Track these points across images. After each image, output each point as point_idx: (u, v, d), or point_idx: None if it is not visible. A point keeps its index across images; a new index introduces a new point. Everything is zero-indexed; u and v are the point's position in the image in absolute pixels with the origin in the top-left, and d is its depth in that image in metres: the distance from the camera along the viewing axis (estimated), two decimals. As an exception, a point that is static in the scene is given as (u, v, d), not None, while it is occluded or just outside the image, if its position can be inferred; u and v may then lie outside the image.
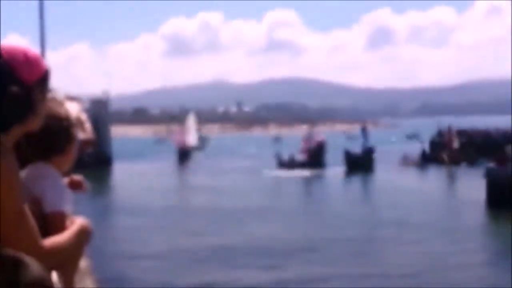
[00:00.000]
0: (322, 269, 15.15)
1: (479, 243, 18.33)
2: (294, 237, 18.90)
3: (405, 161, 45.20)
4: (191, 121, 73.52)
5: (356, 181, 37.09)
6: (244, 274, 14.88)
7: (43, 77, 1.32)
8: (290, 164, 43.15)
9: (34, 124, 1.31)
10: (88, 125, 2.06)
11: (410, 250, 17.32)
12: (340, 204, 26.78)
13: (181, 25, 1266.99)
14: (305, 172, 40.37)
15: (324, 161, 43.05)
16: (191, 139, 69.80)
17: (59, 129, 1.51)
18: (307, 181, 37.71)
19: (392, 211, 24.24)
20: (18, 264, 1.15)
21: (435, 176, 38.66)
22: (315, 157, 42.38)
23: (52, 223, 1.42)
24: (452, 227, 20.55)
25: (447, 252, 17.00)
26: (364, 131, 43.92)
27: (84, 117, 1.89)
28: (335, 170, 41.67)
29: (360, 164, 41.21)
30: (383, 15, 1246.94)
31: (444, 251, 17.08)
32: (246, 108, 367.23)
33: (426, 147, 49.61)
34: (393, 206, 25.35)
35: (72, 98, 1.91)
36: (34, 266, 1.16)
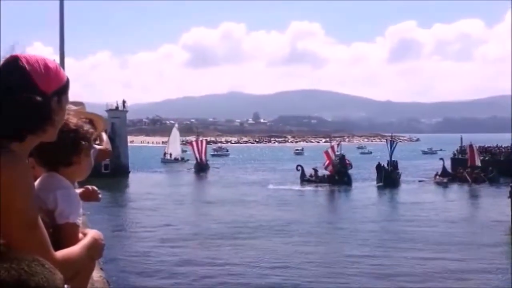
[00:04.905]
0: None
1: (503, 263, 17.75)
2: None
3: (435, 177, 44.41)
4: (175, 133, 73.25)
5: (390, 196, 36.14)
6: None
7: (62, 88, 1.31)
8: (315, 178, 42.22)
9: (50, 134, 1.29)
10: (105, 136, 2.05)
11: (430, 265, 16.98)
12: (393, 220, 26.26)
13: (203, 35, 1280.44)
14: (334, 187, 39.18)
15: (349, 175, 41.80)
16: (175, 150, 69.63)
17: (65, 142, 1.47)
18: (340, 196, 36.63)
19: (415, 227, 23.87)
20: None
21: (457, 194, 37.52)
22: (339, 172, 41.19)
23: (64, 234, 1.41)
24: (476, 245, 19.99)
25: (469, 269, 16.63)
26: (391, 145, 43.27)
27: (102, 127, 1.87)
28: (366, 184, 40.89)
29: (390, 178, 40.46)
30: (408, 28, 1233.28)
31: (466, 268, 16.69)
32: (263, 120, 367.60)
33: (447, 163, 48.53)
34: (416, 223, 24.97)
35: (83, 107, 1.89)
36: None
